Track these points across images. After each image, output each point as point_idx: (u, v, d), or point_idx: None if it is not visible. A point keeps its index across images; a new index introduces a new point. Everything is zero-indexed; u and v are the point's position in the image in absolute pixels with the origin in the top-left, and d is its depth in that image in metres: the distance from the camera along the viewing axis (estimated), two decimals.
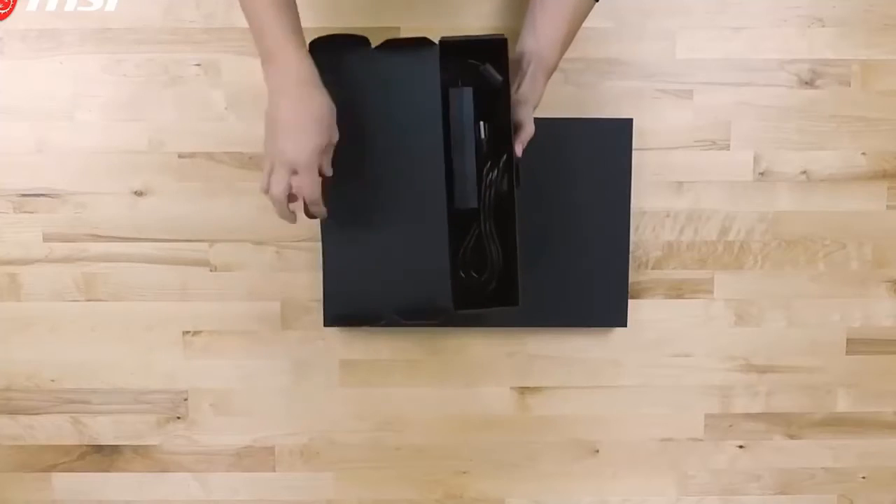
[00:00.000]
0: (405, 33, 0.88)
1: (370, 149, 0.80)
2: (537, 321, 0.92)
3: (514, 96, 0.76)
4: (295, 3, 0.67)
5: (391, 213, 0.83)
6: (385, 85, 0.78)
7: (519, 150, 0.76)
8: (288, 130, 0.64)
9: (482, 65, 0.76)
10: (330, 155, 0.69)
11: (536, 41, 0.76)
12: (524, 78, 0.76)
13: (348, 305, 0.88)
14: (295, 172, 0.65)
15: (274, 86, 0.63)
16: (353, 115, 0.75)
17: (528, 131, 0.76)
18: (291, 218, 0.70)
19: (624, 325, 0.91)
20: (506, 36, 0.74)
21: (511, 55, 0.76)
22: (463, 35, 0.76)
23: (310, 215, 0.71)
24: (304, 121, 0.63)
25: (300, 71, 0.63)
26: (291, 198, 0.68)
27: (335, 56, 0.75)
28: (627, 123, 0.88)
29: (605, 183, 0.89)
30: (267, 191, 0.67)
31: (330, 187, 0.72)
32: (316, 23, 0.88)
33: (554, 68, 0.78)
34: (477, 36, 0.76)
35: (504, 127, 0.76)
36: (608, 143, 0.88)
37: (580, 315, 0.92)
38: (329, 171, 0.69)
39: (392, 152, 0.80)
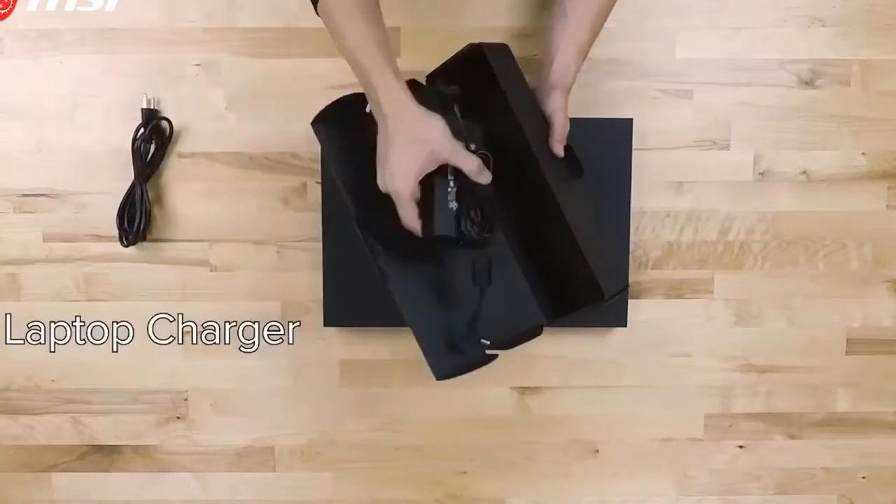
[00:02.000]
0: (405, 33, 0.89)
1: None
2: None
3: (543, 83, 0.73)
4: (385, 32, 0.67)
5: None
6: None
7: (559, 149, 0.73)
8: (395, 161, 0.65)
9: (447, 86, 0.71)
10: (461, 161, 0.67)
11: (566, 21, 0.73)
12: (553, 61, 0.73)
13: (348, 305, 0.89)
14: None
15: (384, 116, 0.64)
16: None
17: (560, 123, 0.72)
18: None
19: (624, 325, 0.91)
20: (485, 41, 0.71)
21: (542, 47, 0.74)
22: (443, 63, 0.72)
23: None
24: (401, 148, 0.64)
25: (399, 101, 0.64)
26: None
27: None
28: (627, 123, 0.88)
29: (605, 183, 0.88)
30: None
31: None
32: (316, 23, 0.88)
33: (587, 47, 0.74)
34: (452, 58, 0.72)
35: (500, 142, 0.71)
36: (608, 143, 0.88)
37: (580, 315, 0.90)
38: (480, 178, 0.68)
39: None
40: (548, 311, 0.79)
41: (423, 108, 0.65)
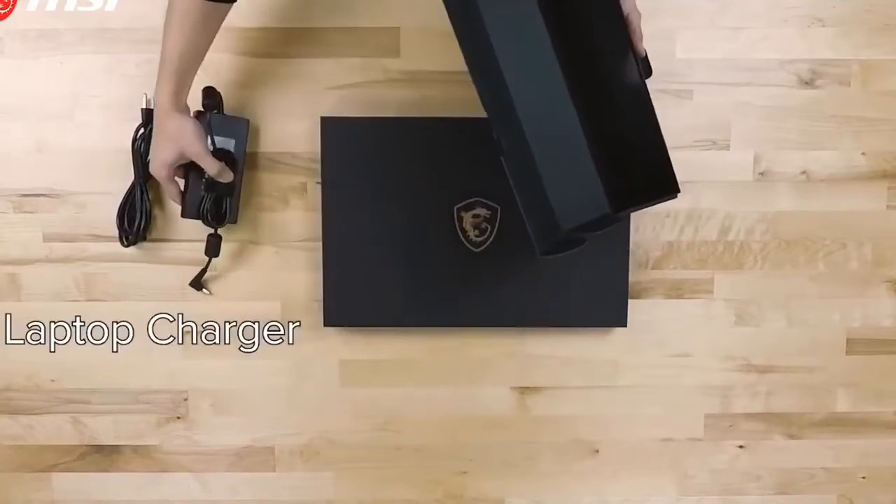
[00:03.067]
0: (405, 33, 0.89)
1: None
2: (538, 322, 0.92)
3: None
4: (203, 51, 0.79)
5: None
6: None
7: (642, 47, 0.75)
8: (153, 147, 0.82)
9: None
10: (204, 160, 0.81)
11: None
12: None
13: (348, 305, 0.90)
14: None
15: (154, 109, 0.80)
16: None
17: (637, 22, 0.75)
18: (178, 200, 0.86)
19: (624, 325, 0.91)
20: None
21: None
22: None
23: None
24: (159, 137, 0.80)
25: (161, 94, 0.78)
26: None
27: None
28: None
29: None
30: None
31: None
32: (316, 23, 0.88)
33: None
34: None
35: None
36: None
37: (580, 315, 0.91)
38: (218, 175, 0.83)
39: None
40: (614, 201, 0.77)
41: (181, 113, 0.80)
